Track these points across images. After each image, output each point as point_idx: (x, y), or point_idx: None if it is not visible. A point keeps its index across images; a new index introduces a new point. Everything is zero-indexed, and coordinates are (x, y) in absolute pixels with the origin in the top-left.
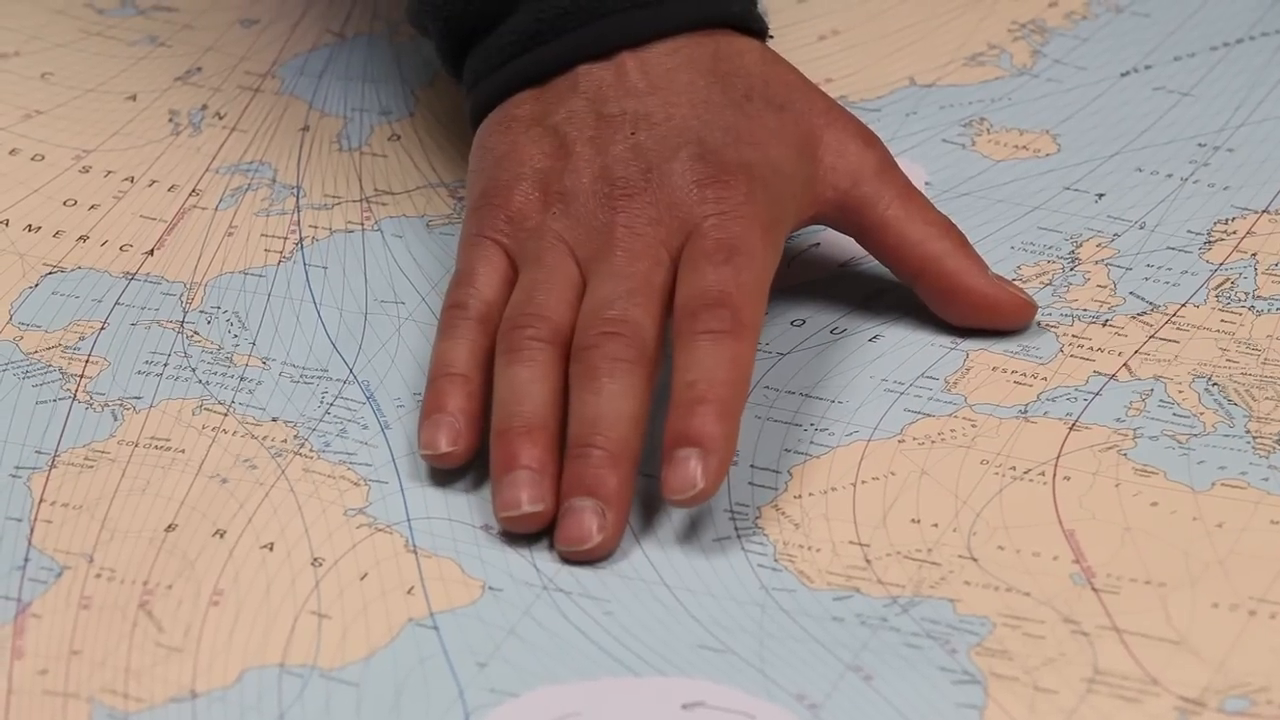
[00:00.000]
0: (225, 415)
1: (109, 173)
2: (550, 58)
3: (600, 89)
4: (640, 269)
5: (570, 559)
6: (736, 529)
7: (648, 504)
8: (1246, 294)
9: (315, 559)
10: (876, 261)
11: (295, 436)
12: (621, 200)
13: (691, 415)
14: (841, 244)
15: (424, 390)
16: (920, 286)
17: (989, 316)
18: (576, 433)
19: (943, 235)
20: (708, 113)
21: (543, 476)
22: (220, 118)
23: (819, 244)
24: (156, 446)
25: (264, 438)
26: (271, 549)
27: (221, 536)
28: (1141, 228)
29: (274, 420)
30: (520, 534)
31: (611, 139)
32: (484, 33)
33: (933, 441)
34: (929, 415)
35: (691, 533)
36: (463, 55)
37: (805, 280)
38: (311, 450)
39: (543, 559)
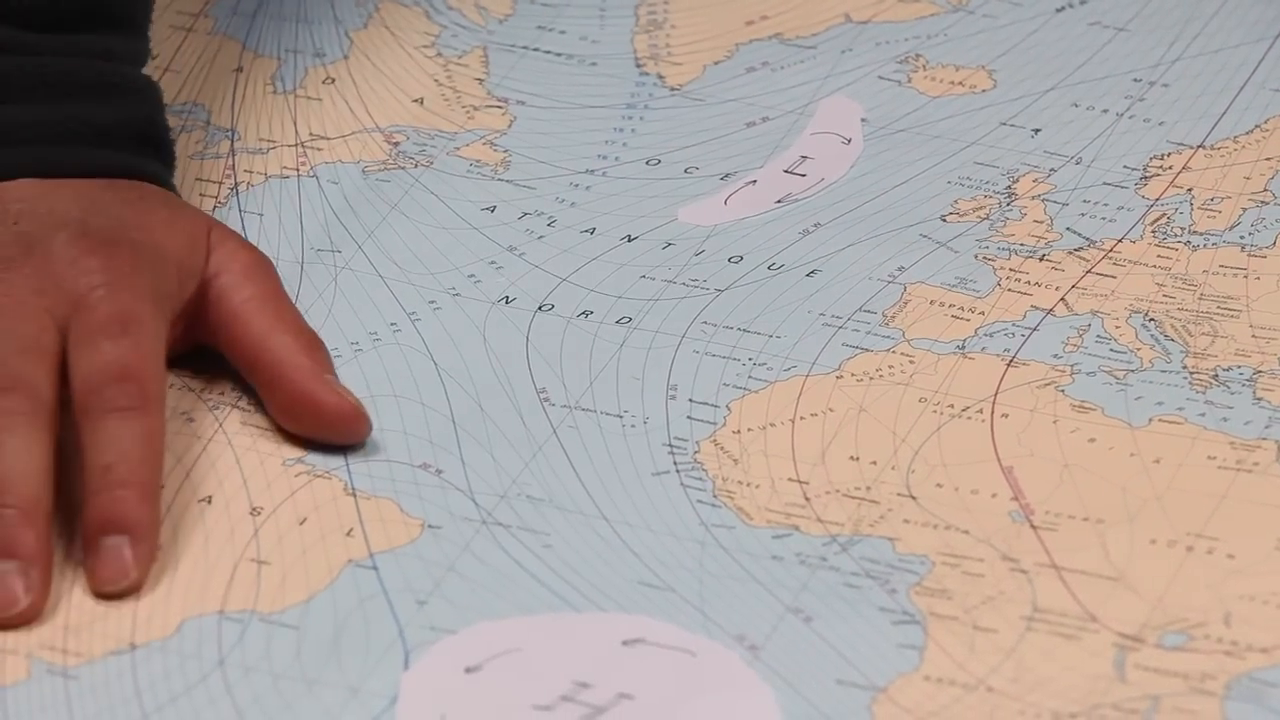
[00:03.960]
0: None
1: None
2: None
3: None
4: (28, 330)
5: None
6: (675, 463)
7: (586, 437)
8: (1182, 229)
9: (254, 508)
10: (814, 197)
11: (233, 389)
12: (13, 275)
13: (115, 501)
14: (777, 180)
15: None
16: (253, 380)
17: (312, 419)
18: None
19: (290, 332)
20: (95, 205)
21: None
22: (153, 58)
23: (755, 181)
24: None
25: (201, 390)
26: (210, 502)
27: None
28: (1078, 163)
29: (210, 374)
30: None
31: (3, 230)
32: None
33: (871, 378)
34: (867, 350)
35: (630, 466)
36: None
37: (741, 217)
38: (249, 404)
39: (482, 494)
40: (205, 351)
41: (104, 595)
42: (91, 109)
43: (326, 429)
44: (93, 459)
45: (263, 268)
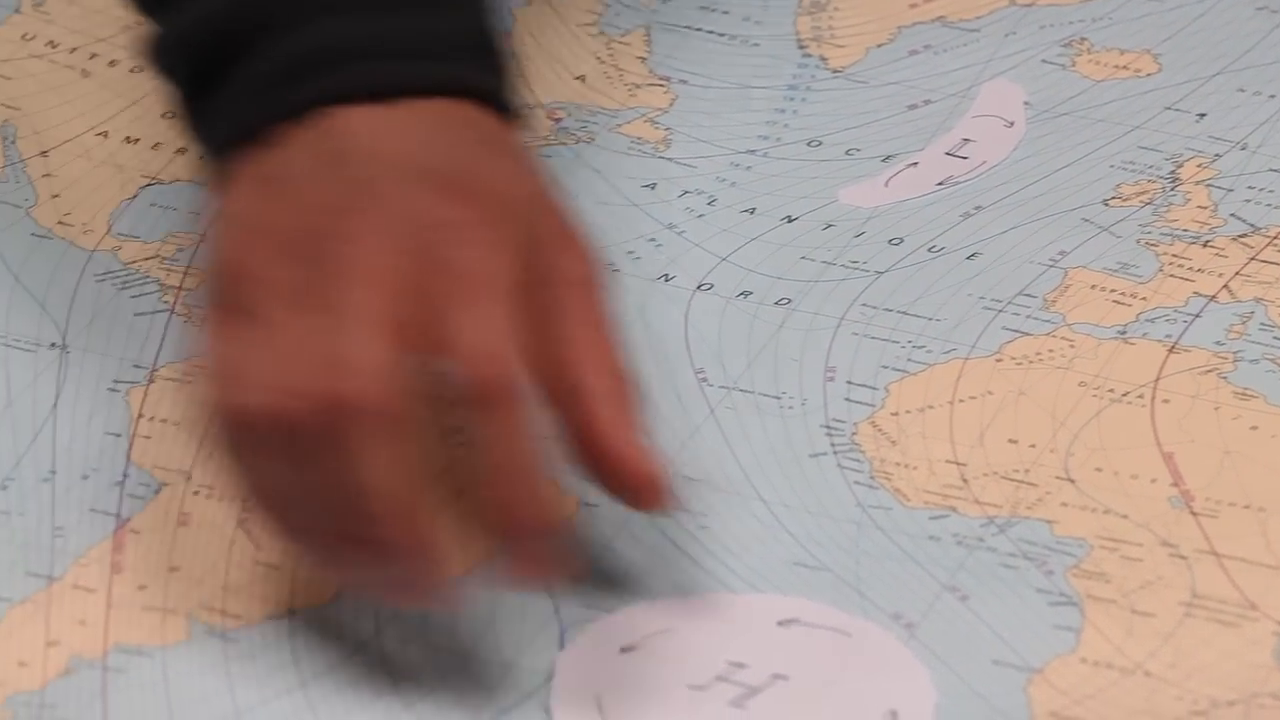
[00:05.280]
0: None
1: None
2: (289, 103)
3: (328, 134)
4: (367, 301)
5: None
6: (833, 445)
7: (744, 418)
8: None
9: None
10: (975, 180)
11: None
12: (351, 228)
13: (521, 497)
14: (938, 163)
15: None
16: (556, 413)
17: (608, 477)
18: (348, 512)
19: (605, 369)
20: (443, 148)
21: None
22: None
23: (916, 163)
24: None
25: None
26: None
27: None
28: (1243, 149)
29: None
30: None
31: (336, 177)
32: (223, 76)
33: (1030, 361)
34: (1027, 334)
35: (787, 448)
36: (202, 102)
37: (902, 199)
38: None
39: None
40: None
41: (517, 589)
42: (426, 20)
43: (620, 491)
44: (487, 451)
45: (594, 267)
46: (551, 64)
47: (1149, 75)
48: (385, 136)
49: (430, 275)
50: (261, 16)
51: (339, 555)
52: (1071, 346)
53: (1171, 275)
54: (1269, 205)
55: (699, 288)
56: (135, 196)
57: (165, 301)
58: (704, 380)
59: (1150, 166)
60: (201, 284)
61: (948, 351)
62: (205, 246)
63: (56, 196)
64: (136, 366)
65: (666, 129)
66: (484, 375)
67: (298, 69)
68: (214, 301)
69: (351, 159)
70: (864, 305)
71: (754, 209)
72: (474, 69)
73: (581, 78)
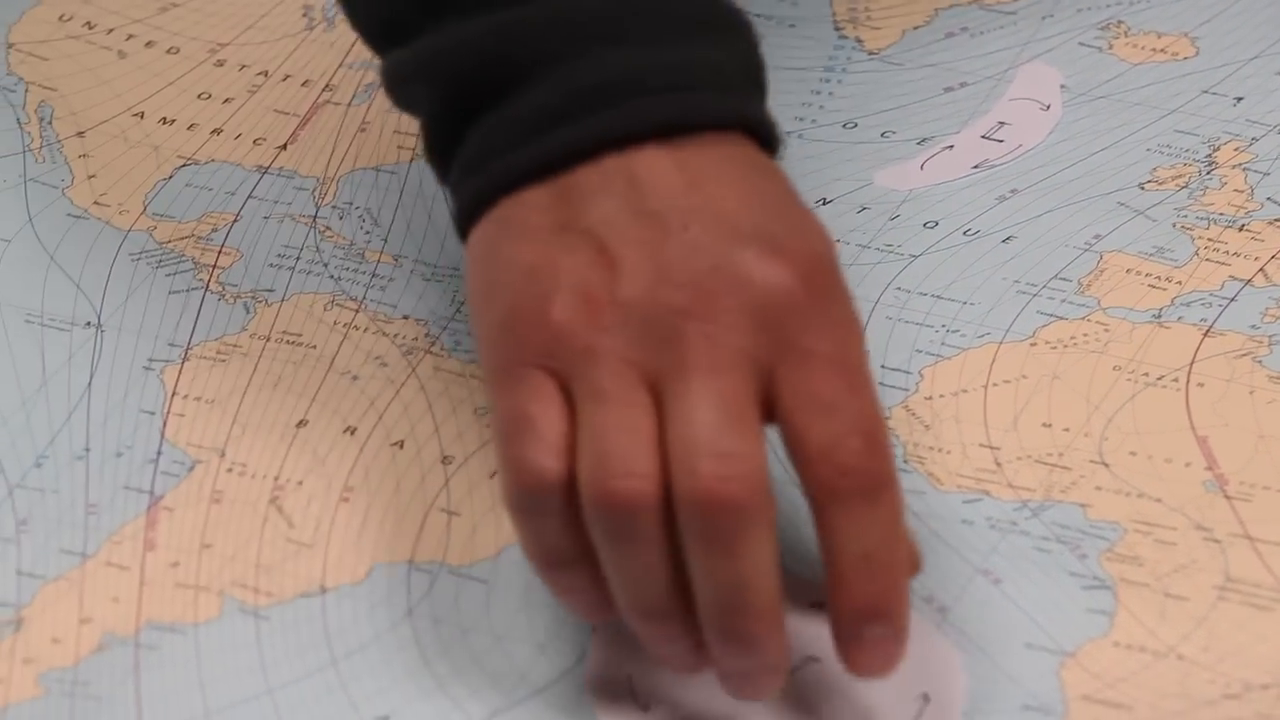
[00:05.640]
0: (357, 311)
1: (243, 66)
2: (575, 140)
3: (634, 184)
4: (730, 387)
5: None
6: None
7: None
8: None
9: (445, 457)
10: (1011, 163)
11: (426, 335)
12: (691, 305)
13: (881, 592)
14: (974, 145)
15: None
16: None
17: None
18: (723, 604)
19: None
20: (762, 202)
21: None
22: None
23: (952, 146)
24: (288, 341)
25: (395, 335)
26: (402, 446)
27: (352, 433)
28: None
29: (405, 318)
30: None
31: (662, 240)
32: (490, 105)
33: (1065, 345)
34: (1061, 318)
35: None
36: (461, 130)
37: (937, 182)
38: (442, 349)
39: None
40: (395, 291)
41: (863, 679)
42: (701, 48)
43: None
44: (843, 543)
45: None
46: None
47: (1186, 58)
48: (695, 189)
49: (792, 367)
50: (526, 47)
51: (676, 639)
52: (1106, 330)
53: (1207, 259)
54: None
55: None
56: (171, 177)
57: (200, 280)
58: None
59: (1186, 150)
60: (491, 331)
61: (982, 335)
62: (485, 290)
63: (93, 177)
64: (171, 345)
65: None
66: (853, 466)
67: (577, 104)
68: (519, 358)
69: (665, 216)
70: (898, 289)
71: None
72: (746, 99)
73: None
